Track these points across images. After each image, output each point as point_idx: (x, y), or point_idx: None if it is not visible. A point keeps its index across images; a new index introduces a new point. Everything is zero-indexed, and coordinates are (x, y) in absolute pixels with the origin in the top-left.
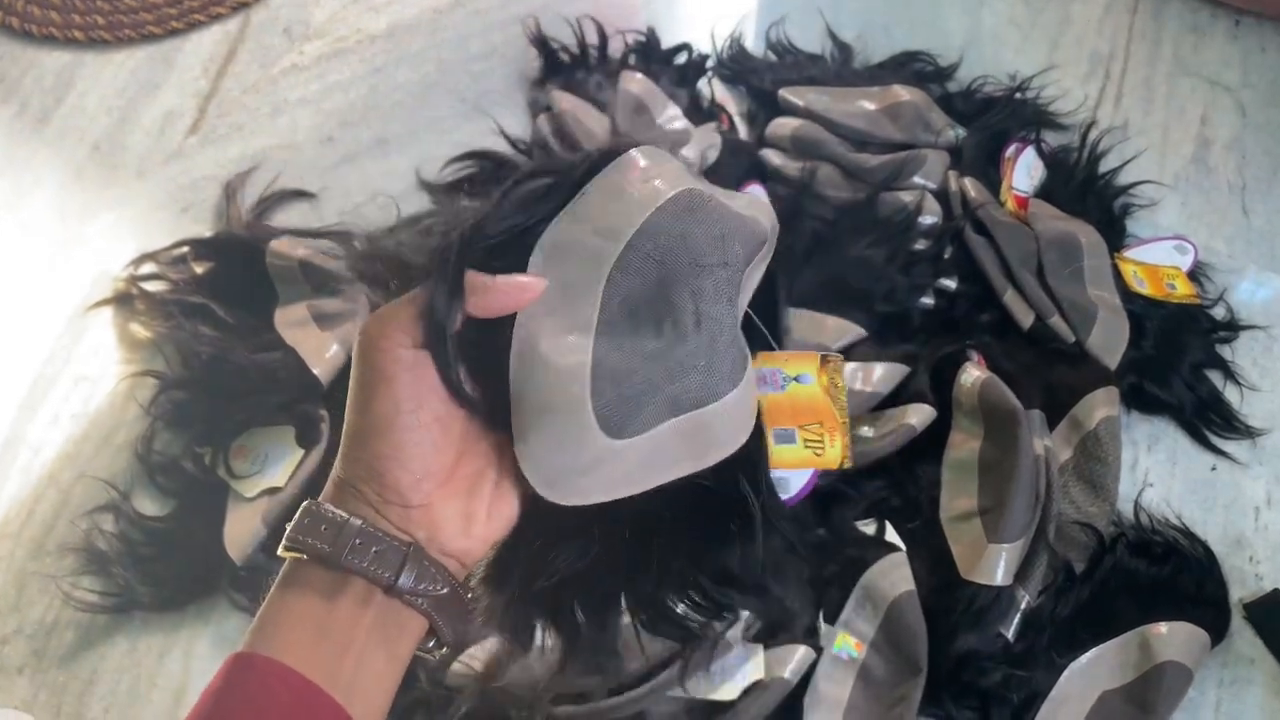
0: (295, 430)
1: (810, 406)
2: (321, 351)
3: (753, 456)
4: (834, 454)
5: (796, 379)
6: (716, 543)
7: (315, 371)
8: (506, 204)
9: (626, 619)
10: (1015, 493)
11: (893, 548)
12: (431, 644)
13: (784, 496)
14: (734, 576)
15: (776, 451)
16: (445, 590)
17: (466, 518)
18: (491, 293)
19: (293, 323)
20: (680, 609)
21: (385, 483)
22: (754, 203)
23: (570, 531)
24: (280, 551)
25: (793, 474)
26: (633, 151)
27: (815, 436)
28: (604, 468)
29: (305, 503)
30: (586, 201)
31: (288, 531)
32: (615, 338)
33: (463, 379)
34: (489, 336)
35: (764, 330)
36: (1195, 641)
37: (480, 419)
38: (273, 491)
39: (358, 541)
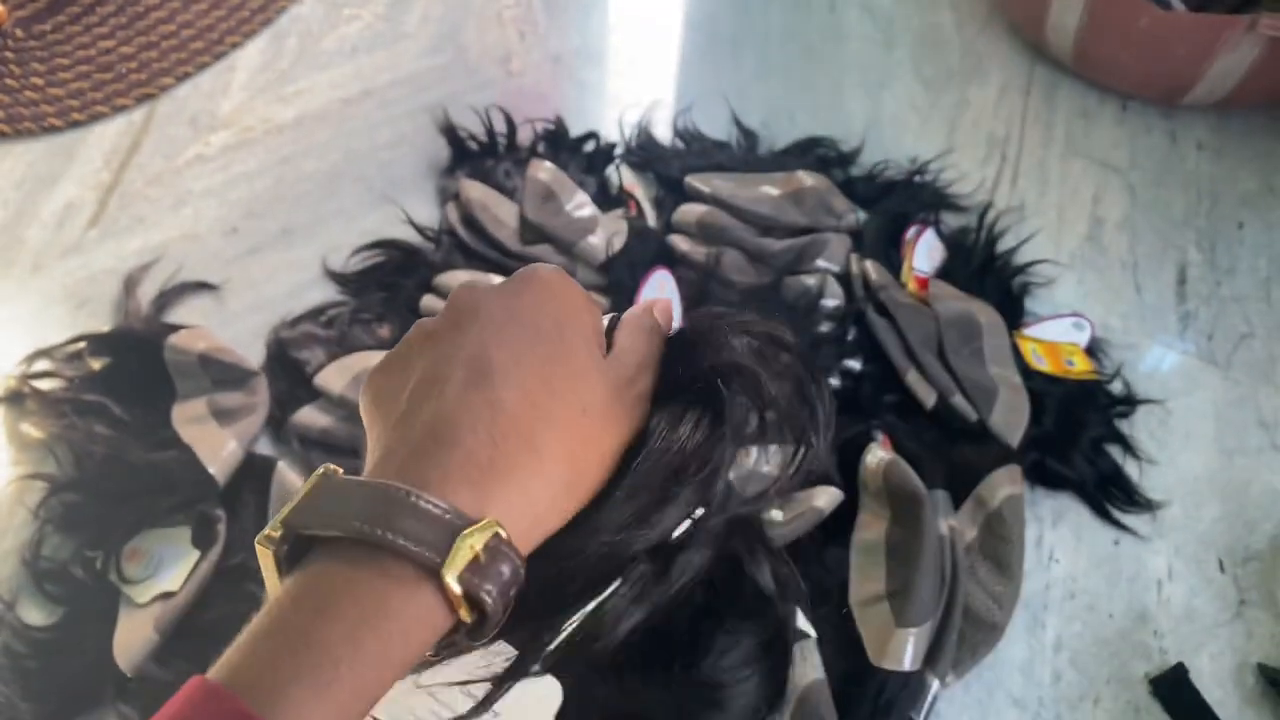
0: (191, 531)
1: None
2: (218, 449)
3: None
4: None
5: None
6: None
7: (210, 470)
8: None
9: None
10: (920, 575)
11: (802, 634)
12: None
13: None
14: None
15: None
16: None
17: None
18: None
19: (190, 419)
20: None
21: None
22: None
23: None
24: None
25: None
26: None
27: None
28: None
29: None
30: None
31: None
32: None
33: None
34: None
35: None
36: None
37: None
38: (166, 596)
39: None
